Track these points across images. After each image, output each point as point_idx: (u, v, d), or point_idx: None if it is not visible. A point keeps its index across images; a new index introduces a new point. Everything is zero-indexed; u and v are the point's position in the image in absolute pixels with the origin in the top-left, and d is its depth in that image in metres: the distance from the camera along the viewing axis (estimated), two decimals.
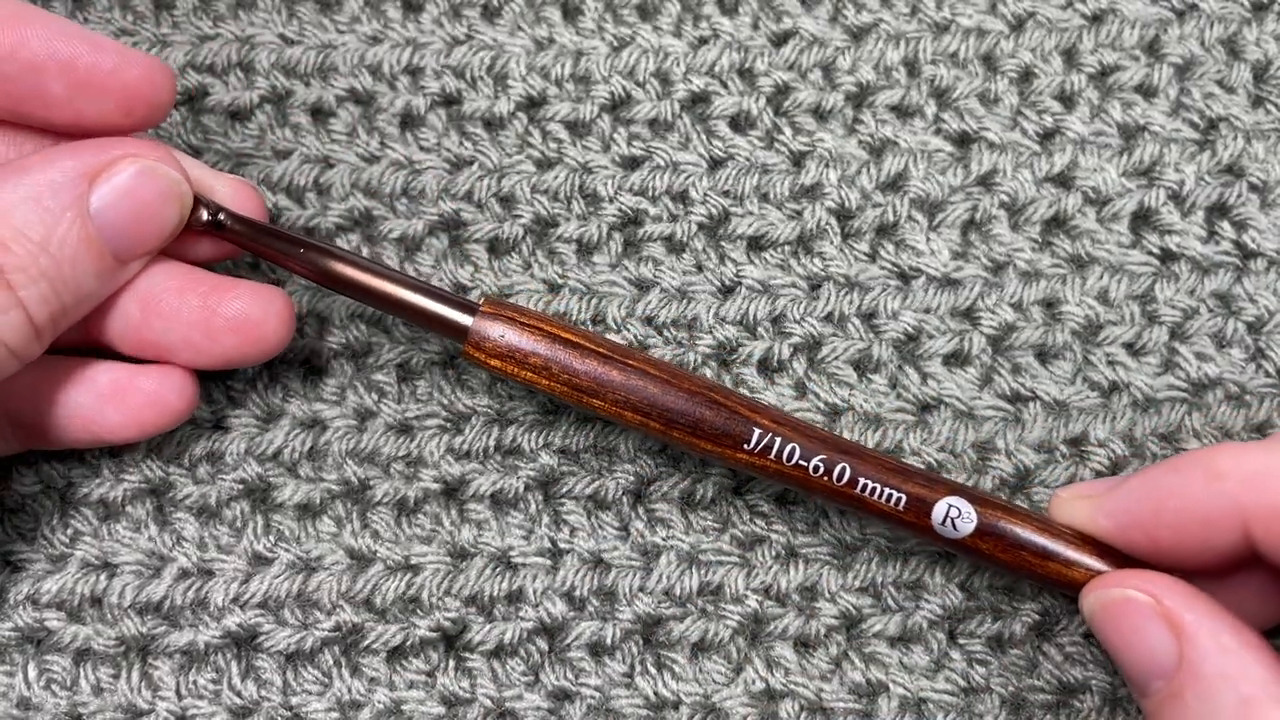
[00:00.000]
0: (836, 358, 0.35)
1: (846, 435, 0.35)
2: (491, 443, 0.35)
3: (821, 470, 0.31)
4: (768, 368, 0.35)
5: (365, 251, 0.36)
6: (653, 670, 0.34)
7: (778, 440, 0.31)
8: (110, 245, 0.30)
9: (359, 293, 0.32)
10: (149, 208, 0.30)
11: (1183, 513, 0.29)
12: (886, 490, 0.31)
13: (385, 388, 0.35)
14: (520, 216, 0.36)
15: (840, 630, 0.34)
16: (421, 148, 0.37)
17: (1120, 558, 0.30)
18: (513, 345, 0.31)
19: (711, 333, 0.35)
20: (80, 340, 0.32)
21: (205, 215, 0.32)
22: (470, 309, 0.31)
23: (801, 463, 0.31)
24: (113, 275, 0.31)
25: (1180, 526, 0.29)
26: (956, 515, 0.31)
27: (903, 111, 0.37)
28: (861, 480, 0.31)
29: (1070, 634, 0.34)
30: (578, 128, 0.37)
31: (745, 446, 0.31)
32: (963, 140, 0.37)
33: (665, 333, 0.35)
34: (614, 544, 0.35)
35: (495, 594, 0.34)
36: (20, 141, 0.32)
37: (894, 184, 0.36)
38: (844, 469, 0.31)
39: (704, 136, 0.37)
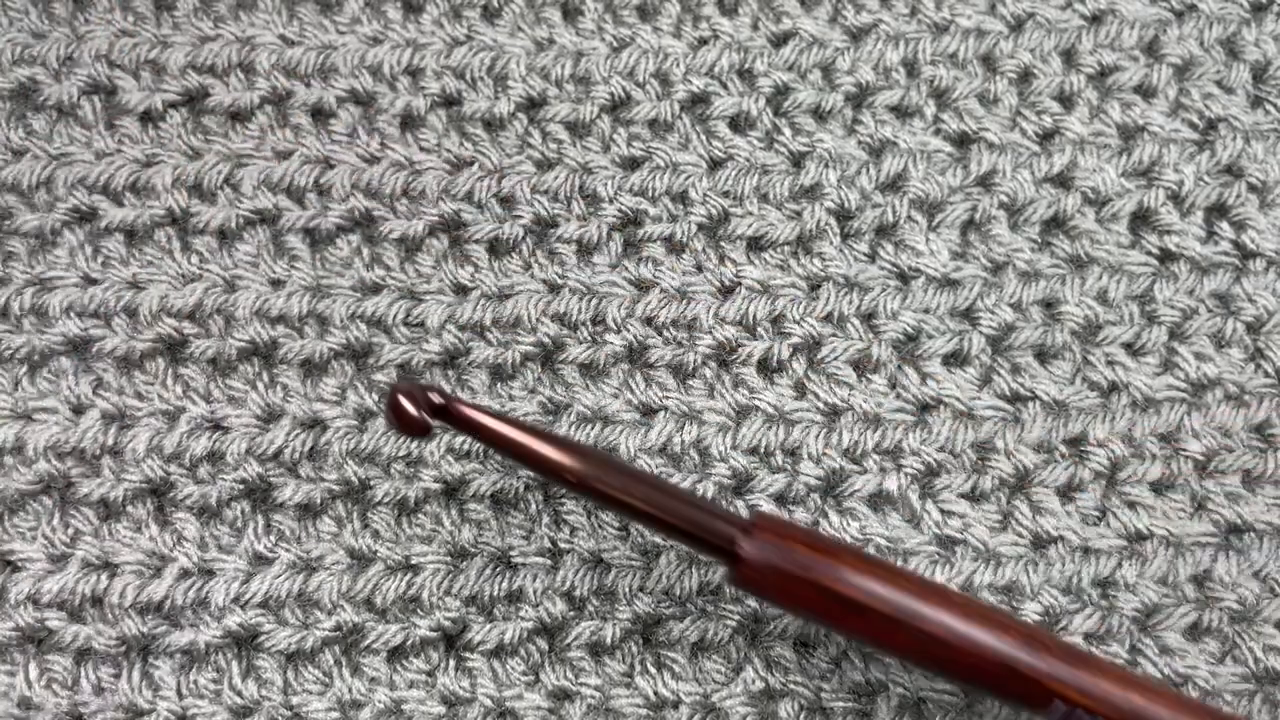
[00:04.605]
0: (836, 358, 0.35)
1: (845, 436, 0.35)
2: None
3: None
4: (767, 368, 0.35)
5: (365, 252, 0.36)
6: (653, 670, 0.34)
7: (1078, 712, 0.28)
8: None
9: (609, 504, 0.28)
10: None
11: None
12: None
13: (385, 388, 0.35)
14: (520, 217, 0.36)
15: None
16: (422, 148, 0.37)
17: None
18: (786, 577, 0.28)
19: (711, 333, 0.35)
20: None
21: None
22: (740, 527, 0.28)
23: None
24: None
25: None
26: None
27: (902, 112, 0.37)
28: None
29: (1070, 634, 0.34)
30: (578, 128, 0.37)
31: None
32: (962, 141, 0.37)
33: (665, 333, 0.36)
34: (614, 544, 0.35)
35: (495, 594, 0.34)
36: None
37: (893, 184, 0.36)
38: None
39: (704, 137, 0.37)
